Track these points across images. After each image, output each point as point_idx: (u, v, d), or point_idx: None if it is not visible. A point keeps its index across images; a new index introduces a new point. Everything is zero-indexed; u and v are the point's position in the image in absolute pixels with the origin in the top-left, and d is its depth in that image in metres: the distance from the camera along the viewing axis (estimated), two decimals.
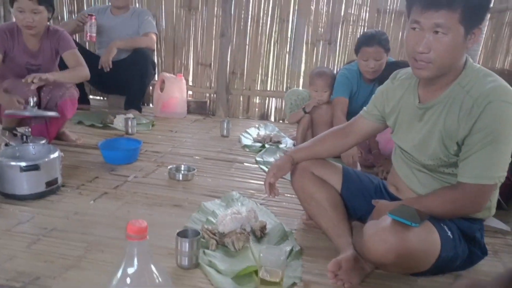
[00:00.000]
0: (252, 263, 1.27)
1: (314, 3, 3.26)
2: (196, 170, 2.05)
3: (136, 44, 3.10)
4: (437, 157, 1.23)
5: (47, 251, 1.32)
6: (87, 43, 3.47)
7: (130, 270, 0.65)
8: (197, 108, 3.48)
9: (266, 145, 2.59)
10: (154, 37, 3.21)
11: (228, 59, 3.41)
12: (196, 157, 2.35)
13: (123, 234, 0.70)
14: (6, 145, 1.95)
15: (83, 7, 3.55)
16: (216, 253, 1.34)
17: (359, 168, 2.18)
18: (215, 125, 3.05)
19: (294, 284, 1.21)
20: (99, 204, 1.68)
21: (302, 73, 3.42)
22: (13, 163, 1.65)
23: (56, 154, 1.75)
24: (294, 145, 2.56)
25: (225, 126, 2.79)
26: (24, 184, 1.66)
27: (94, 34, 3.04)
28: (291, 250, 1.37)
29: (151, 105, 3.59)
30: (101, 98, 3.76)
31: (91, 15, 3.01)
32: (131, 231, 0.67)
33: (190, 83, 3.58)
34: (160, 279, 0.66)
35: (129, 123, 2.69)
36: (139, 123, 2.86)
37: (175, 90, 3.24)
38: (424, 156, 1.26)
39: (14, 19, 2.31)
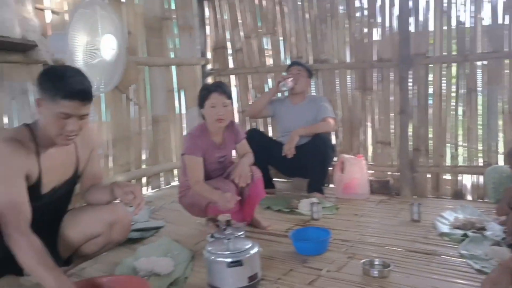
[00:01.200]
0: None
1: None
2: (391, 266, 1.91)
3: (315, 130, 3.23)
4: None
5: None
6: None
7: None
8: (380, 188, 3.36)
9: (469, 233, 2.27)
10: (332, 121, 3.31)
11: (410, 135, 3.26)
12: (388, 247, 2.21)
13: None
14: (212, 236, 2.14)
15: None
16: None
17: None
18: (403, 207, 2.88)
19: None
20: None
21: (501, 147, 3.03)
22: (220, 259, 1.80)
23: (256, 249, 1.86)
24: (504, 232, 2.20)
25: (416, 210, 2.59)
26: (229, 278, 1.79)
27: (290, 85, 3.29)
28: None
29: (331, 185, 3.63)
30: (285, 179, 3.96)
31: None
32: None
33: (370, 162, 3.52)
34: None
35: (314, 208, 2.74)
36: (323, 207, 2.88)
37: (356, 171, 3.21)
38: None
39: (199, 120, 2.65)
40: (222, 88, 2.38)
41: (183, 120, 4.16)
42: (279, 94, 3.66)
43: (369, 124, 3.54)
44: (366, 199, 3.19)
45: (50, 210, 1.71)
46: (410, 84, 3.22)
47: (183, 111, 4.16)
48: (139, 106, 3.64)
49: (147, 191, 3.79)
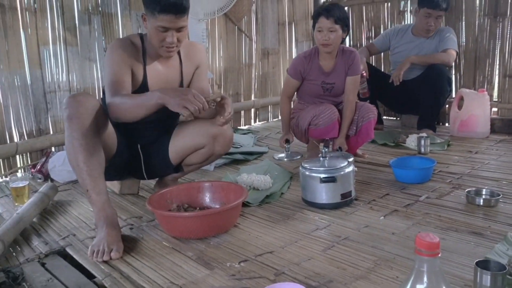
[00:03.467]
0: None
1: None
2: (501, 195, 1.76)
3: (431, 60, 2.97)
4: None
5: (340, 257, 1.38)
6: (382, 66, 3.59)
7: (419, 286, 0.59)
8: (504, 126, 3.01)
9: None
10: (454, 53, 3.00)
11: None
12: (503, 182, 2.02)
13: (413, 255, 0.65)
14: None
15: (379, 32, 3.69)
16: None
17: None
18: None
19: None
20: (389, 221, 1.66)
21: None
22: (314, 174, 1.83)
23: (350, 168, 1.85)
24: None
25: None
26: (323, 194, 1.82)
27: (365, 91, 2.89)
28: None
29: (447, 124, 3.36)
30: (395, 118, 3.78)
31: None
32: (420, 245, 0.61)
33: (495, 99, 3.15)
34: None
35: (422, 142, 2.58)
36: (433, 143, 2.71)
37: (475, 107, 2.91)
38: None
39: None
40: (329, 12, 2.30)
41: (293, 54, 4.15)
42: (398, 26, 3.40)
43: (497, 55, 3.13)
44: (485, 138, 2.90)
45: (161, 118, 1.90)
46: None
47: (294, 44, 4.15)
48: (249, 38, 3.73)
49: (255, 123, 3.96)
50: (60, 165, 2.27)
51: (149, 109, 1.56)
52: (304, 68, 2.44)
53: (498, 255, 1.32)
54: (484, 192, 1.81)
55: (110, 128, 1.71)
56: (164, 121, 1.94)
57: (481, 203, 1.73)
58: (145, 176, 1.98)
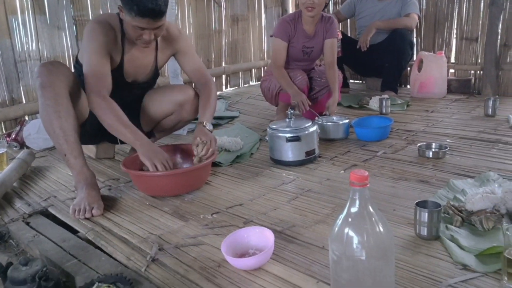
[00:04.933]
0: (501, 244, 1.15)
1: None
2: (448, 148, 1.94)
3: (395, 25, 3.11)
4: None
5: (303, 206, 1.54)
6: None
7: (353, 210, 0.73)
8: (460, 87, 3.22)
9: None
10: (416, 17, 3.13)
11: (499, 30, 3.00)
12: (452, 137, 2.21)
13: None
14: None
15: None
16: (461, 230, 1.27)
17: None
18: (480, 104, 2.77)
19: None
20: (348, 174, 1.82)
21: None
22: (280, 134, 1.97)
23: (314, 128, 1.99)
24: None
25: (491, 105, 2.50)
26: (288, 152, 1.97)
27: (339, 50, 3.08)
28: None
29: (408, 86, 3.54)
30: (360, 81, 3.94)
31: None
32: (353, 179, 0.75)
33: (452, 61, 3.34)
34: (376, 217, 0.72)
35: (383, 103, 2.75)
36: (393, 104, 2.88)
37: (434, 69, 3.09)
38: None
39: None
40: None
41: (263, 21, 4.21)
42: None
43: (455, 19, 3.29)
44: (442, 98, 3.10)
45: (133, 94, 1.98)
46: None
47: (263, 10, 4.20)
48: (218, 5, 3.76)
49: (226, 89, 4.04)
50: (35, 133, 2.33)
51: (123, 139, 1.68)
52: (291, 32, 2.52)
53: (440, 198, 1.50)
54: (433, 146, 1.99)
55: (82, 95, 1.77)
56: (135, 100, 2.02)
57: (430, 156, 1.92)
58: (119, 141, 2.07)
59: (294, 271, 1.14)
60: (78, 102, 1.73)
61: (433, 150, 1.95)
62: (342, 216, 0.76)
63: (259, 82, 2.89)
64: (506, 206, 1.34)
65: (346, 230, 0.74)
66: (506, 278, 0.99)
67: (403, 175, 1.76)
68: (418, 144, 2.00)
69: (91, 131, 1.90)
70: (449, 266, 1.11)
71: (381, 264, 0.74)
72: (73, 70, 1.79)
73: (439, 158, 1.90)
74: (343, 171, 1.86)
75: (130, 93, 1.94)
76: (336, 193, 1.63)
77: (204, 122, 1.83)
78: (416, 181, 1.69)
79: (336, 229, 0.76)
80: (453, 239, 1.22)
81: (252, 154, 2.18)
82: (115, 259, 1.26)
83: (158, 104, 2.00)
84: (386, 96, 2.88)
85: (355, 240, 0.73)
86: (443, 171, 1.77)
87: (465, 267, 1.10)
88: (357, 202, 0.74)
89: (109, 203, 1.63)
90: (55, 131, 1.58)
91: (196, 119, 1.98)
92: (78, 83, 1.71)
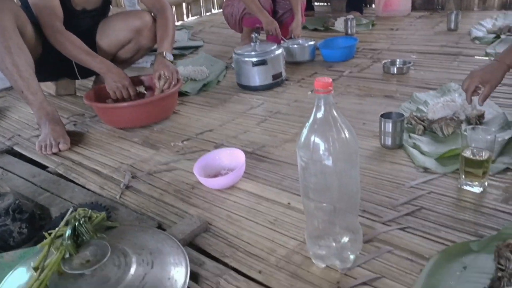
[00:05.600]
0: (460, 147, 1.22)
1: None
2: (412, 63, 1.97)
3: None
4: None
5: (272, 128, 1.56)
6: None
7: (319, 115, 0.75)
8: (423, 3, 3.20)
9: (502, 36, 2.23)
10: None
11: None
12: (416, 53, 2.23)
13: None
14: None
15: None
16: (422, 138, 1.33)
17: None
18: (443, 19, 2.78)
19: (507, 169, 1.12)
20: (315, 95, 1.83)
21: None
22: (246, 59, 1.94)
23: (280, 51, 1.96)
24: None
25: (453, 19, 2.51)
26: (255, 77, 1.95)
27: None
28: (511, 138, 1.23)
29: (373, 5, 3.49)
30: (325, 4, 3.85)
31: None
32: (317, 86, 0.76)
33: None
34: (341, 119, 0.75)
35: (349, 23, 2.72)
36: (358, 24, 2.85)
37: None
38: None
39: None
40: None
41: None
42: None
43: None
44: (407, 15, 3.09)
45: (85, 24, 1.87)
46: None
47: None
48: None
49: (187, 18, 3.89)
50: None
51: (87, 66, 1.68)
52: None
53: (403, 111, 1.54)
54: (398, 62, 2.01)
55: (31, 28, 1.67)
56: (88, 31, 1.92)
57: (395, 72, 1.94)
58: (78, 76, 1.99)
59: (267, 186, 1.18)
60: (28, 36, 1.64)
61: (397, 66, 1.97)
62: (308, 123, 0.78)
63: (221, 10, 2.78)
64: (465, 112, 1.39)
65: (313, 135, 0.76)
66: (463, 176, 1.05)
67: (369, 92, 1.79)
68: (383, 61, 2.02)
69: (48, 66, 1.81)
70: (412, 170, 1.18)
71: (346, 166, 0.78)
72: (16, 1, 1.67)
73: (403, 73, 1.93)
74: (310, 92, 1.87)
75: (81, 22, 1.83)
76: (304, 113, 1.65)
77: (164, 52, 1.76)
78: (381, 96, 1.73)
79: (303, 136, 0.77)
80: (415, 146, 1.28)
81: (219, 81, 2.15)
82: (88, 190, 1.26)
83: (113, 33, 1.91)
84: (351, 16, 2.84)
85: (321, 145, 0.75)
86: (407, 86, 1.80)
87: (426, 170, 1.16)
88: (322, 108, 0.76)
89: (76, 138, 1.61)
90: (8, 68, 1.51)
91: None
92: (25, 16, 1.60)
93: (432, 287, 0.76)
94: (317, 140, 0.76)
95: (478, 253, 0.83)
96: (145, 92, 1.87)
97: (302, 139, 0.78)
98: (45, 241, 0.85)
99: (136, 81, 1.87)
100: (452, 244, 0.88)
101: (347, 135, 0.77)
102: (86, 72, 2.00)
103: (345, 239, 0.86)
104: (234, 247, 0.95)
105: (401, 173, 1.17)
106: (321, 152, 0.76)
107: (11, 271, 0.86)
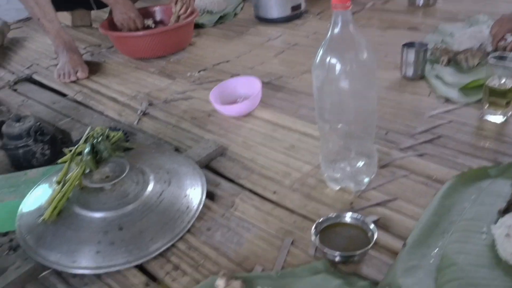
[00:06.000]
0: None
1: None
2: None
3: None
4: None
5: (289, 59, 1.53)
6: None
7: (336, 33, 0.73)
8: None
9: None
10: None
11: None
12: None
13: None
14: None
15: None
16: (446, 68, 1.28)
17: None
18: None
19: None
20: None
21: None
22: None
23: None
24: None
25: None
26: (274, 8, 1.88)
27: None
28: None
29: None
30: None
31: None
32: (335, 1, 0.72)
33: None
34: (359, 37, 0.72)
35: None
36: None
37: None
38: None
39: None
40: None
41: None
42: None
43: None
44: None
45: None
46: None
47: None
48: None
49: None
50: (5, 4, 2.19)
51: None
52: None
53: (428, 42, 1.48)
54: None
55: None
56: None
57: (421, 3, 1.84)
58: (93, 6, 1.95)
59: (283, 114, 1.17)
60: None
61: None
62: (324, 42, 0.75)
63: None
64: (492, 44, 1.33)
65: (328, 54, 0.74)
66: (486, 106, 1.02)
67: (392, 24, 1.71)
68: None
69: None
70: (432, 101, 1.15)
71: (363, 85, 0.76)
72: None
73: (430, 5, 1.83)
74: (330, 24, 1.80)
75: None
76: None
77: None
78: (405, 29, 1.65)
79: (319, 55, 0.75)
80: (438, 77, 1.24)
81: (236, 14, 2.09)
82: (107, 116, 1.28)
83: None
84: None
85: (337, 63, 0.73)
86: (434, 17, 1.72)
87: (447, 100, 1.13)
88: (339, 25, 0.73)
89: (93, 68, 1.61)
90: None
91: None
92: None
93: (446, 208, 0.76)
94: (333, 58, 0.74)
95: (495, 178, 0.82)
96: (153, 26, 1.82)
97: (318, 58, 0.76)
98: (65, 157, 0.87)
99: (144, 13, 1.82)
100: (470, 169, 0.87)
101: (364, 54, 0.74)
102: (101, 2, 1.96)
103: (360, 163, 0.86)
104: (249, 170, 0.97)
105: (421, 103, 1.14)
106: (337, 70, 0.74)
107: (34, 186, 0.90)
